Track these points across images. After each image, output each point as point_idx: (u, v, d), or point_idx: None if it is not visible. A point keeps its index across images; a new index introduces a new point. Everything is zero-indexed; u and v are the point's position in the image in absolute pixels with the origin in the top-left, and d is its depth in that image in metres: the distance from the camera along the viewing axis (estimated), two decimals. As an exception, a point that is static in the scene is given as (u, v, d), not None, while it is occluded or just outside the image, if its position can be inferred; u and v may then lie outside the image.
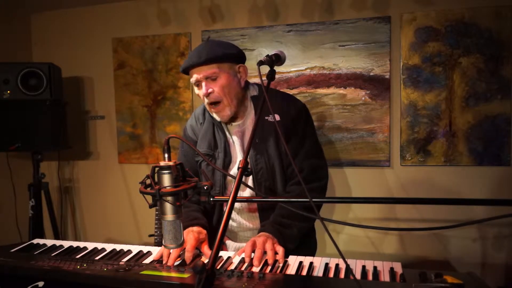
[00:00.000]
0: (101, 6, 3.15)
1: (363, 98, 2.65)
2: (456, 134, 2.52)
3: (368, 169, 2.69)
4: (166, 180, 1.02)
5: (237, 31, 2.86)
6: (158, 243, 2.38)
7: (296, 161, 1.50)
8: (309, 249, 1.63)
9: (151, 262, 1.29)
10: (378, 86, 2.62)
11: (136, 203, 3.17)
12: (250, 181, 1.52)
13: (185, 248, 1.30)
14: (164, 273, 1.15)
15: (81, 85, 3.26)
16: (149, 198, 1.01)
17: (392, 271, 1.12)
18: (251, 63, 2.44)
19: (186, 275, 1.11)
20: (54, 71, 2.79)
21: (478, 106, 2.47)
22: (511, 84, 2.42)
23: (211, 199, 1.08)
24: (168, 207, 1.02)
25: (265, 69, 1.22)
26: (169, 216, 1.02)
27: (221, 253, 1.32)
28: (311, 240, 1.66)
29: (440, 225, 0.94)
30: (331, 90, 2.70)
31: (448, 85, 2.52)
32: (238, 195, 1.50)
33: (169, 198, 1.01)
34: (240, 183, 0.98)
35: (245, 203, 1.54)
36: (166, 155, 1.04)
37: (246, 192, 1.54)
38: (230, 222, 1.59)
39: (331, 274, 1.15)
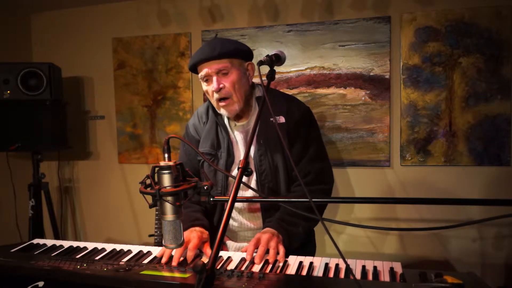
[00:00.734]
0: (101, 6, 3.15)
1: (363, 98, 2.65)
2: (456, 134, 2.52)
3: (368, 169, 2.69)
4: (166, 180, 1.02)
5: (237, 31, 2.86)
6: (158, 243, 2.38)
7: (302, 164, 1.50)
8: (309, 253, 1.63)
9: (151, 262, 1.29)
10: (378, 86, 2.62)
11: (136, 203, 3.17)
12: (253, 181, 1.52)
13: (187, 247, 1.30)
14: (164, 273, 1.15)
15: (81, 85, 3.26)
16: (149, 198, 1.01)
17: (392, 271, 1.12)
18: (251, 63, 2.44)
19: (186, 275, 1.11)
20: (54, 71, 2.79)
21: (478, 106, 2.47)
22: (511, 84, 2.42)
23: (211, 199, 1.08)
24: (168, 207, 1.02)
25: (265, 69, 1.22)
26: (169, 216, 1.02)
27: (221, 253, 1.32)
28: (310, 242, 1.66)
29: (440, 225, 0.94)
30: (331, 90, 2.70)
31: (448, 85, 2.52)
32: (241, 195, 1.51)
33: (169, 198, 1.01)
34: (240, 183, 0.98)
35: (247, 203, 1.54)
36: (166, 155, 1.04)
37: (248, 192, 1.54)
38: (231, 222, 1.59)
39: (331, 274, 1.15)
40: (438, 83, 2.53)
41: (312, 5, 2.71)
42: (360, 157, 2.68)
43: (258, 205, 1.54)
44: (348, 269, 1.14)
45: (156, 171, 1.03)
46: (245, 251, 1.30)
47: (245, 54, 1.49)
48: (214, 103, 1.50)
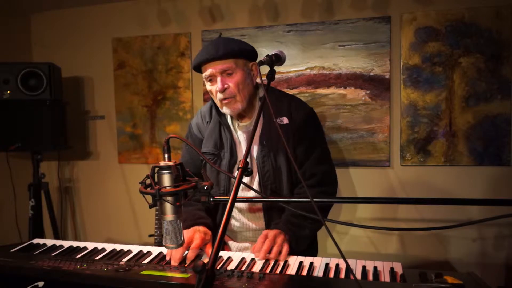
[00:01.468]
0: (101, 6, 3.15)
1: (363, 98, 2.65)
2: (456, 134, 2.52)
3: (368, 169, 2.69)
4: (166, 180, 1.02)
5: (237, 31, 2.86)
6: (158, 243, 2.38)
7: (306, 166, 1.50)
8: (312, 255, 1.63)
9: (151, 262, 1.29)
10: (378, 86, 2.62)
11: (136, 203, 3.17)
12: (256, 182, 1.51)
13: (189, 247, 1.30)
14: (164, 273, 1.15)
15: (81, 85, 3.26)
16: (149, 198, 1.01)
17: (392, 271, 1.12)
18: (251, 63, 2.44)
19: (186, 275, 1.11)
20: (54, 71, 2.79)
21: (478, 106, 2.47)
22: (511, 84, 2.42)
23: (211, 199, 1.08)
24: (168, 207, 1.02)
25: (265, 69, 1.22)
26: (169, 216, 1.02)
27: (221, 253, 1.32)
28: (313, 246, 1.66)
29: (440, 225, 0.94)
30: (331, 90, 2.70)
31: (448, 85, 2.52)
32: (243, 195, 1.51)
33: (169, 198, 1.01)
34: (240, 183, 0.97)
35: (249, 203, 1.54)
36: (166, 155, 1.04)
37: (250, 192, 1.53)
38: (233, 222, 1.59)
39: (331, 274, 1.15)
40: (438, 83, 2.53)
41: (312, 5, 2.71)
42: (360, 157, 2.68)
43: (260, 205, 1.53)
44: (349, 269, 1.14)
45: (156, 171, 1.03)
46: (253, 250, 1.30)
47: (250, 54, 1.48)
48: (218, 103, 1.50)
